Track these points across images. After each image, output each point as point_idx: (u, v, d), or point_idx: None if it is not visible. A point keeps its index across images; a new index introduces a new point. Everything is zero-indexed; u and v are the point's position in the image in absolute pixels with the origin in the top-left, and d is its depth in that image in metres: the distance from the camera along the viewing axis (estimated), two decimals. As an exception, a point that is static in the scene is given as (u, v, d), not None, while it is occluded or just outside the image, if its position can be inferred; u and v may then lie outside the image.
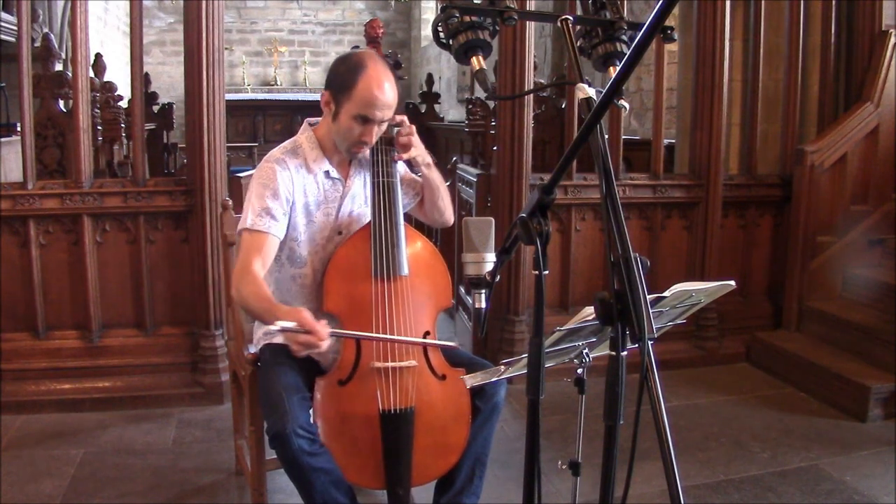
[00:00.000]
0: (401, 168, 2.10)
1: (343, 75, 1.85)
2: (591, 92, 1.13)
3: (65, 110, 3.53)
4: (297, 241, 1.97)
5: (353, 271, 1.90)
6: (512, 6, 1.25)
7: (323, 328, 1.64)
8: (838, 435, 2.90)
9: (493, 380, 1.54)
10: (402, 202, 2.08)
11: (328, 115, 1.93)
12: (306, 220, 1.97)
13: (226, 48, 3.30)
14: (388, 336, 1.85)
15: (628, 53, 0.94)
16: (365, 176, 2.03)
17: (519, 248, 1.33)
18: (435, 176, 2.05)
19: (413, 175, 2.12)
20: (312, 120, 2.04)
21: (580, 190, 3.48)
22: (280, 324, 1.61)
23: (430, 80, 7.39)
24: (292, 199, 1.93)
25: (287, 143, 2.01)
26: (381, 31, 2.37)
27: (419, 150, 1.98)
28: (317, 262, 1.98)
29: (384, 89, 1.83)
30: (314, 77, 12.12)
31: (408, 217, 2.09)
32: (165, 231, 3.14)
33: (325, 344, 1.63)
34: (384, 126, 1.91)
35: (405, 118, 1.98)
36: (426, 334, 1.94)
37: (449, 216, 2.14)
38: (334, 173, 1.98)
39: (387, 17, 12.25)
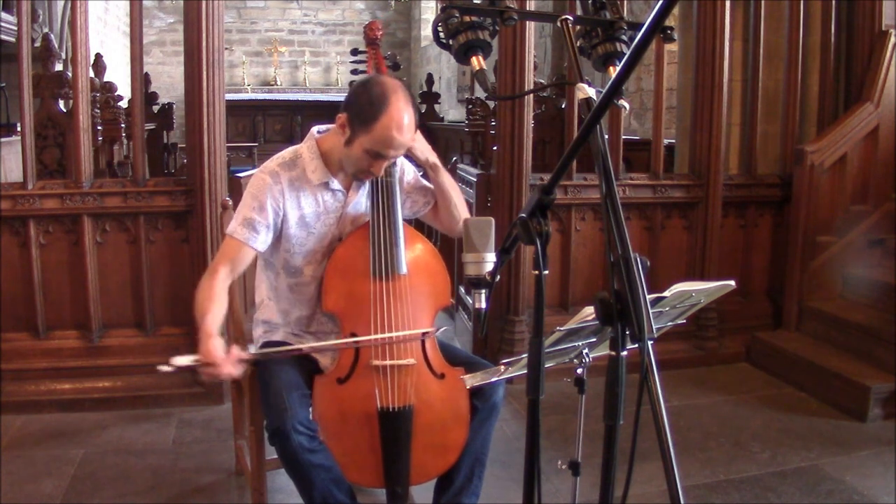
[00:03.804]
0: (411, 175, 2.09)
1: (364, 107, 1.79)
2: (591, 92, 1.13)
3: (65, 110, 3.53)
4: (292, 253, 1.96)
5: (351, 271, 1.91)
6: (512, 6, 1.25)
7: (227, 358, 1.66)
8: (838, 435, 2.90)
9: (492, 380, 1.54)
10: (412, 208, 2.08)
11: (341, 135, 1.87)
12: (305, 231, 1.95)
13: (226, 48, 3.30)
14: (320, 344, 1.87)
15: (628, 53, 0.93)
16: (366, 183, 2.00)
17: (519, 248, 1.33)
18: (444, 180, 2.01)
19: (425, 183, 2.09)
20: (321, 128, 2.00)
21: (580, 190, 3.48)
22: (177, 361, 1.63)
23: (430, 80, 7.39)
24: (282, 212, 1.91)
25: (287, 153, 1.99)
26: (381, 32, 2.37)
27: (420, 146, 1.95)
28: (319, 271, 1.96)
29: (403, 130, 1.78)
30: (314, 77, 12.14)
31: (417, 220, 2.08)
32: (165, 231, 3.14)
33: (227, 372, 1.67)
34: (395, 159, 1.90)
35: None
36: (425, 334, 1.93)
37: None
38: (335, 185, 1.96)
39: (387, 17, 12.26)
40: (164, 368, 1.63)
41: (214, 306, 1.81)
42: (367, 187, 2.00)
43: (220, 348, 1.67)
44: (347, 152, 1.87)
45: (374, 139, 1.79)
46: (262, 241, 1.91)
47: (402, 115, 1.78)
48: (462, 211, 2.06)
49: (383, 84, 1.82)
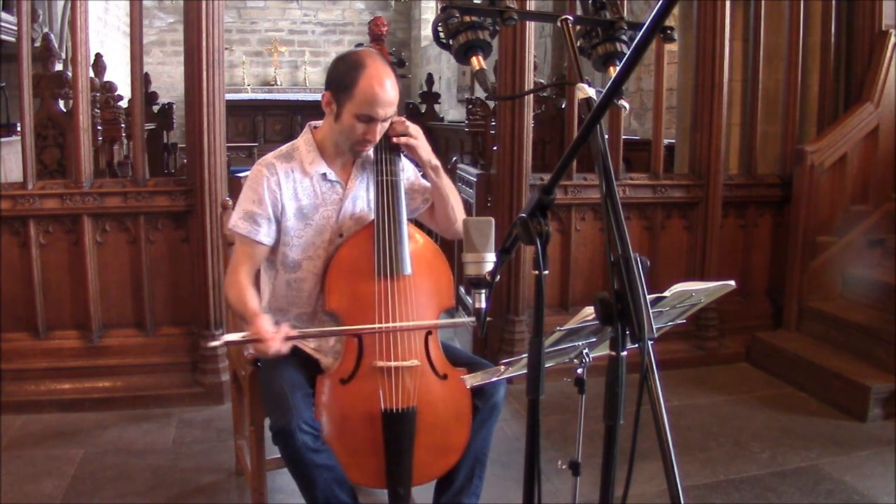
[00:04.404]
0: (410, 174, 2.09)
1: (343, 75, 1.85)
2: (591, 92, 1.13)
3: (65, 110, 3.53)
4: (290, 246, 1.96)
5: (355, 270, 1.90)
6: (512, 6, 1.25)
7: (276, 334, 1.76)
8: (838, 435, 2.90)
9: (493, 380, 1.54)
10: (410, 206, 2.08)
11: (330, 115, 1.92)
12: (302, 223, 1.95)
13: (226, 48, 3.30)
14: (377, 326, 1.86)
15: (628, 53, 0.93)
16: (368, 178, 2.01)
17: (519, 248, 1.33)
18: (444, 183, 2.02)
19: (424, 182, 2.10)
20: (315, 123, 2.03)
21: (580, 190, 3.48)
22: (225, 338, 1.87)
23: (430, 80, 7.39)
24: (280, 204, 1.93)
25: (285, 146, 2.01)
26: (385, 28, 2.38)
27: (423, 146, 1.97)
28: (318, 266, 1.97)
29: (385, 87, 1.82)
30: (314, 77, 12.12)
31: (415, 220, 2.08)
32: (165, 231, 3.14)
33: (276, 349, 1.76)
34: (387, 124, 1.90)
35: (403, 119, 1.97)
36: (428, 334, 1.93)
37: (460, 227, 2.08)
38: (332, 175, 1.97)
39: (387, 17, 12.18)
40: (215, 343, 1.82)
41: (248, 293, 1.92)
42: (366, 179, 2.01)
43: (268, 325, 1.78)
44: (340, 127, 1.89)
45: (359, 101, 1.82)
46: (265, 233, 1.93)
47: (380, 73, 1.83)
48: (459, 214, 2.06)
49: (357, 52, 1.91)
